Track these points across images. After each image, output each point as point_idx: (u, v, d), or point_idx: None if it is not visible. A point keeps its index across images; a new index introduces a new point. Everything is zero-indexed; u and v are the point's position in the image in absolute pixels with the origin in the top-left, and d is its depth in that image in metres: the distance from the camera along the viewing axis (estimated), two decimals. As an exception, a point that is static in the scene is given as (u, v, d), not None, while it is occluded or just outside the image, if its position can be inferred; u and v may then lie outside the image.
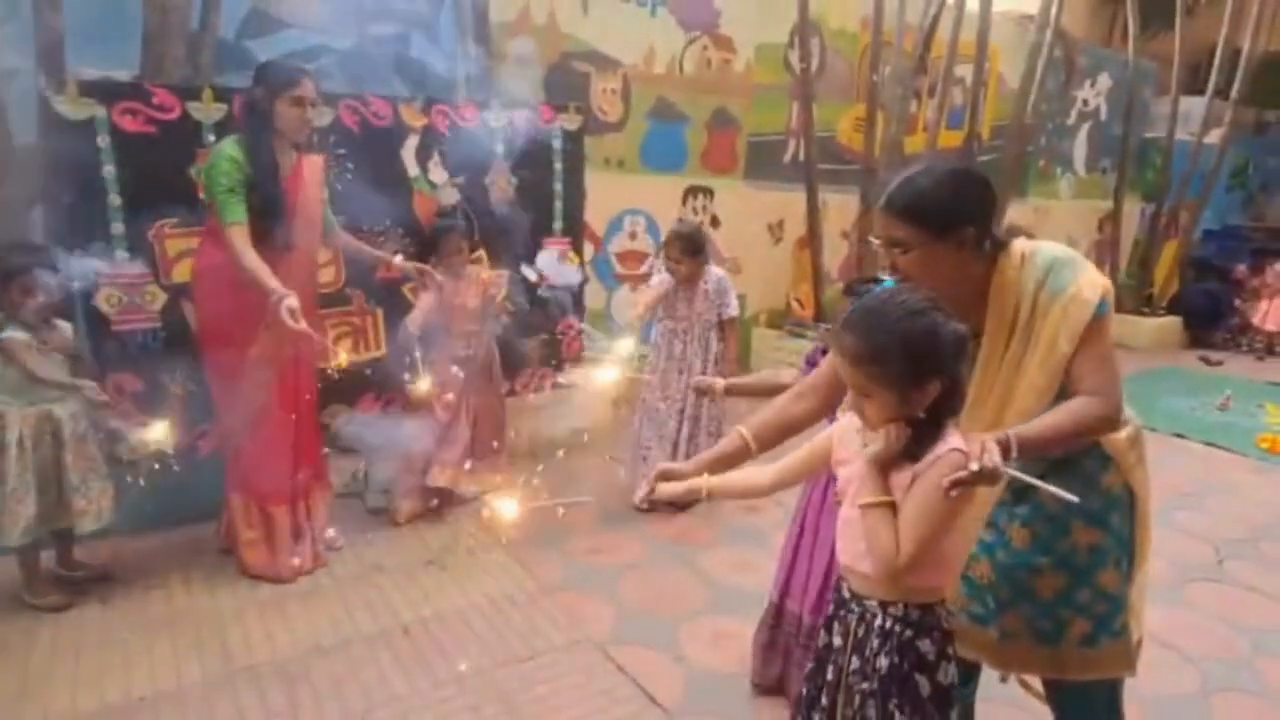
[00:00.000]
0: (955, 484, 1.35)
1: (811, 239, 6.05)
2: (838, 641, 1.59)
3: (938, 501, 1.38)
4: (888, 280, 2.17)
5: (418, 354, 3.15)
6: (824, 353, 2.42)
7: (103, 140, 2.87)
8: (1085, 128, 8.56)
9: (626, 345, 3.24)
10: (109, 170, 2.89)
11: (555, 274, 3.97)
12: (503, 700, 2.40)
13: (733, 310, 3.67)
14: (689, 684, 2.53)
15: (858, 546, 1.52)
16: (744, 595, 2.97)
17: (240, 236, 2.69)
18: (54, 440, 2.68)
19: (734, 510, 3.72)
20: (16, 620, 2.69)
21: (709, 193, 5.90)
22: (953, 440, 1.43)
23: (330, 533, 3.24)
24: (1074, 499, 1.42)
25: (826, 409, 1.92)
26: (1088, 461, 1.68)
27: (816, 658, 1.65)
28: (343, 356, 2.81)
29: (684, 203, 5.80)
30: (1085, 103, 8.45)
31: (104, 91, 2.86)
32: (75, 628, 2.67)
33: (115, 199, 2.92)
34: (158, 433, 2.89)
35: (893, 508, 1.43)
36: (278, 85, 2.76)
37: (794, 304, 6.31)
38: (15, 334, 2.58)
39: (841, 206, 6.36)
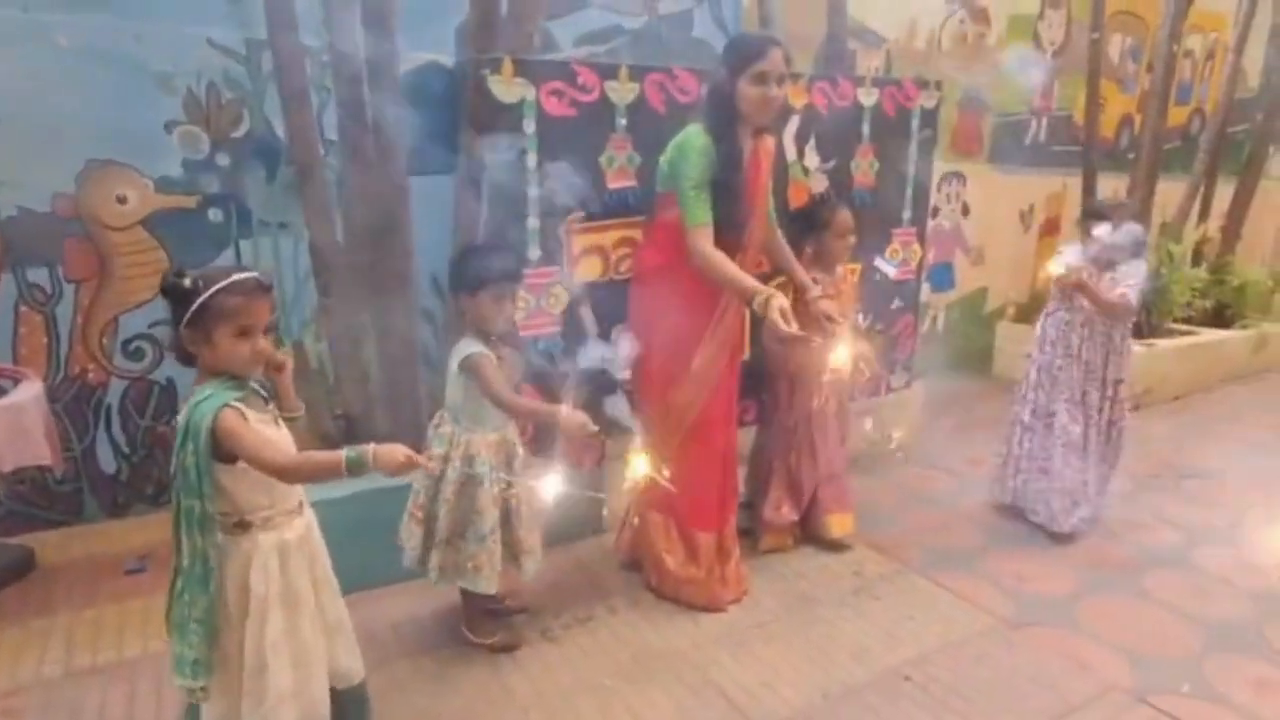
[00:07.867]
0: None
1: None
2: None
3: None
4: None
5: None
6: None
7: (529, 125, 2.56)
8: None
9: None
10: (530, 159, 2.59)
11: (900, 268, 3.61)
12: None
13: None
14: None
15: None
16: (1231, 628, 2.62)
17: (706, 239, 2.41)
18: (508, 469, 2.36)
19: (1143, 527, 3.36)
20: (470, 667, 2.38)
21: (962, 178, 5.49)
22: None
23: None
24: None
25: None
26: None
27: None
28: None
29: (938, 189, 5.40)
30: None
31: (535, 71, 2.56)
32: (543, 673, 2.37)
33: (533, 190, 2.62)
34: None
35: None
36: (739, 61, 2.42)
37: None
38: (482, 349, 2.25)
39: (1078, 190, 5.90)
